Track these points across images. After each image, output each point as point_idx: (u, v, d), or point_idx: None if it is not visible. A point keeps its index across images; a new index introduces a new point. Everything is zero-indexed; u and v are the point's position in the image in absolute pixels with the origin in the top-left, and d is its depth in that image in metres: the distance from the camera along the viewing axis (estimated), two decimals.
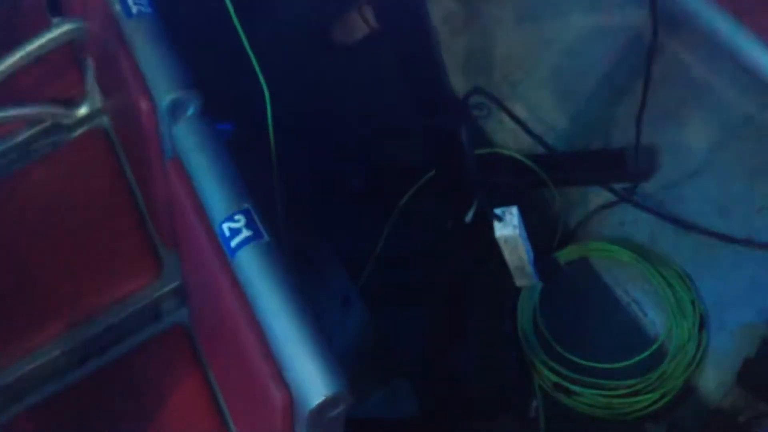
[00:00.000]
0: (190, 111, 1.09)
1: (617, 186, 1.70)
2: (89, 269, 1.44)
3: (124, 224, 1.49)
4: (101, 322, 1.39)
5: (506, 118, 1.86)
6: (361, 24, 2.12)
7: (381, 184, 1.91)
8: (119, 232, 1.48)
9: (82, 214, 1.52)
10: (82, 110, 1.70)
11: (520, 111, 1.82)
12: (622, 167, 1.72)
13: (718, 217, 1.66)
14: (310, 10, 2.32)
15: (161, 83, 1.10)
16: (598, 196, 1.74)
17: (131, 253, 1.46)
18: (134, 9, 1.17)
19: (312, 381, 0.86)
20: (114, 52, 1.25)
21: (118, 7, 1.18)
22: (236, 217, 0.98)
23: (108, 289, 1.42)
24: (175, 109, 1.08)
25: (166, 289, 1.43)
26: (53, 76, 1.74)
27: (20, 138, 1.66)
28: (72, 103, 1.70)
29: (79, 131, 1.69)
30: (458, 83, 1.81)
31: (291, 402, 0.89)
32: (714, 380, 1.56)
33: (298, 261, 1.68)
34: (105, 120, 1.69)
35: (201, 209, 1.04)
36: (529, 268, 1.55)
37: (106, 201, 1.54)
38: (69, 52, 1.76)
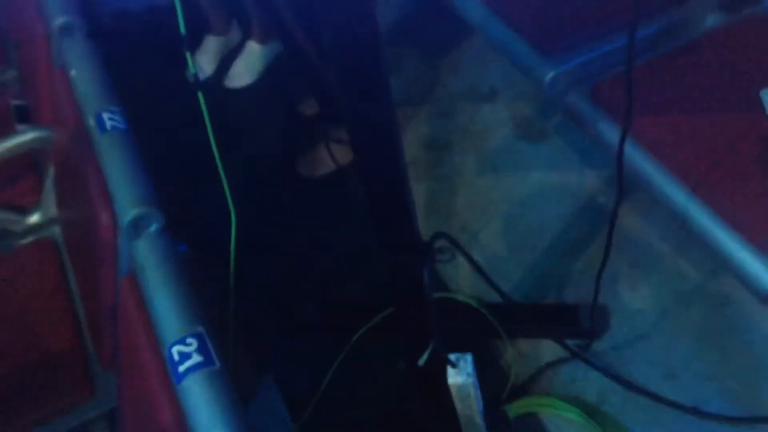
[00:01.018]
0: (153, 228, 1.07)
1: (569, 342, 1.70)
2: (16, 385, 1.36)
3: (61, 340, 1.44)
4: None
5: (464, 265, 1.88)
6: (327, 160, 2.16)
7: (334, 319, 1.88)
8: (54, 348, 1.42)
9: (16, 325, 1.46)
10: (34, 218, 1.67)
11: (478, 259, 1.84)
12: (576, 324, 1.73)
13: (666, 382, 1.67)
14: (280, 142, 2.38)
15: (126, 198, 1.08)
16: (551, 350, 1.74)
17: (64, 371, 1.39)
18: (108, 125, 1.16)
19: None
20: (81, 163, 1.24)
21: (92, 121, 1.18)
22: (188, 340, 0.94)
23: (34, 408, 1.34)
24: (138, 224, 1.06)
25: (96, 413, 1.35)
26: (9, 180, 1.72)
27: None
28: (24, 210, 1.67)
29: (27, 239, 1.65)
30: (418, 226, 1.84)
31: None
32: None
33: (242, 393, 1.62)
34: (56, 230, 1.66)
35: (151, 329, 1.00)
36: (479, 419, 1.51)
37: (45, 314, 1.49)
38: (28, 158, 1.75)
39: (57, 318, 1.47)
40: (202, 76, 2.62)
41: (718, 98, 1.59)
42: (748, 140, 1.49)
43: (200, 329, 0.95)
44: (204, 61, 2.64)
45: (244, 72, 2.61)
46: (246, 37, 2.66)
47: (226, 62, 2.65)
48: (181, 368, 0.91)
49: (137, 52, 2.58)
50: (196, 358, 0.92)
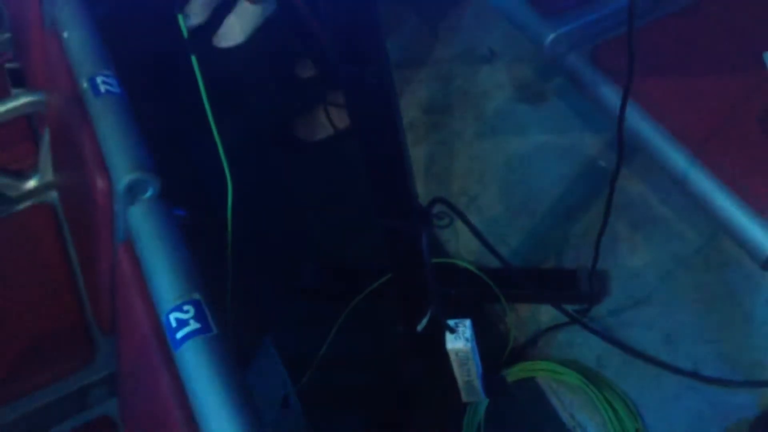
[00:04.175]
0: (149, 194, 1.06)
1: (568, 307, 1.70)
2: (17, 349, 1.36)
3: (60, 305, 1.44)
4: (23, 407, 1.30)
5: (463, 229, 1.88)
6: (325, 123, 2.14)
7: (332, 284, 1.88)
8: (54, 313, 1.43)
9: (17, 290, 1.46)
10: (31, 183, 1.66)
11: (476, 224, 1.83)
12: (575, 288, 1.73)
13: (665, 346, 1.67)
14: (277, 105, 2.35)
15: (121, 163, 1.07)
16: (549, 315, 1.74)
17: (64, 336, 1.40)
18: (102, 88, 1.15)
19: None
20: (75, 128, 1.22)
21: (85, 85, 1.16)
22: (185, 307, 0.93)
23: (35, 372, 1.34)
24: (133, 190, 1.05)
25: (96, 377, 1.36)
26: (5, 145, 1.71)
27: None
28: (21, 174, 1.66)
29: (25, 204, 1.65)
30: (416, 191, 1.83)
31: None
32: None
33: (241, 356, 1.62)
34: (53, 195, 1.65)
35: (148, 296, 0.99)
36: (477, 384, 1.51)
37: (45, 279, 1.48)
38: (25, 122, 1.74)
39: (56, 283, 1.47)
40: (191, 22, 2.57)
41: (720, 60, 1.57)
42: (750, 103, 1.48)
43: (197, 296, 0.94)
44: (195, 9, 2.58)
45: (234, 31, 2.56)
46: None
47: (218, 14, 2.60)
48: (179, 335, 0.91)
49: (129, 12, 2.54)
50: (194, 325, 0.91)
